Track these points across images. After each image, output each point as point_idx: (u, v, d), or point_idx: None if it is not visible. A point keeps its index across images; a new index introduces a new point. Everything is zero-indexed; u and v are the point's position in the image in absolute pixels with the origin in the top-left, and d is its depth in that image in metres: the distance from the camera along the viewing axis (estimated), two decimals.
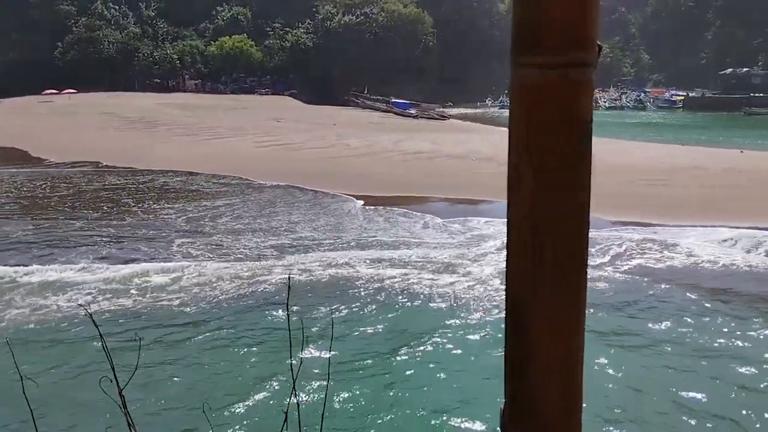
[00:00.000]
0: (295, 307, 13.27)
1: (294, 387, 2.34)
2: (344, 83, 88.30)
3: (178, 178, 30.73)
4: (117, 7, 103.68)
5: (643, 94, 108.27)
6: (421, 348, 11.91)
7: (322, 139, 43.43)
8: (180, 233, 20.37)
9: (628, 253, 18.21)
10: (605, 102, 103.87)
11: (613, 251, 18.25)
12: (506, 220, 1.06)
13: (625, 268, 16.89)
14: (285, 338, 2.77)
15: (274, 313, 13.32)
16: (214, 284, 15.16)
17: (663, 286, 15.53)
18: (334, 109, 76.16)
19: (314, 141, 42.16)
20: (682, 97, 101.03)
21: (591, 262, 17.14)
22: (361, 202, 24.83)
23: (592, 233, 16.44)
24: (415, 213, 23.13)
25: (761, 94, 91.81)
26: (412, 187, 27.25)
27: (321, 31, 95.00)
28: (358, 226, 21.31)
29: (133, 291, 14.66)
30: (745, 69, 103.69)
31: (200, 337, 12.38)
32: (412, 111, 77.32)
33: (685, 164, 33.76)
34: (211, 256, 17.68)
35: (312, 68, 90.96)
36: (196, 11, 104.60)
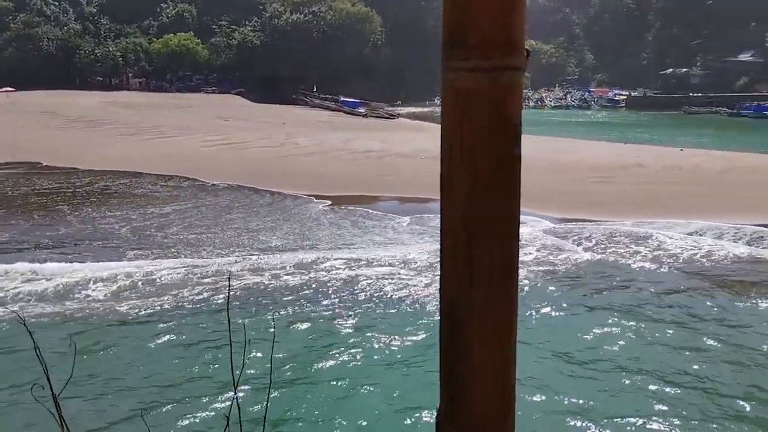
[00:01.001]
0: (270, 314, 13.13)
1: (235, 392, 2.31)
2: (293, 82, 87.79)
3: (122, 180, 29.94)
4: (57, 3, 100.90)
5: (587, 94, 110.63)
6: (386, 349, 11.93)
7: (271, 138, 43.13)
8: (127, 245, 18.66)
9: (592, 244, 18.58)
10: (551, 101, 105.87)
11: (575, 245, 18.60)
12: (440, 223, 1.07)
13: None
14: (228, 343, 2.73)
15: (235, 320, 13.15)
16: (164, 291, 14.91)
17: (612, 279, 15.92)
18: (282, 107, 75.69)
19: (263, 140, 41.84)
20: (625, 97, 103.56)
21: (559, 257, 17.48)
22: (327, 202, 24.61)
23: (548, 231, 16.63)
24: (378, 213, 23.13)
25: (699, 94, 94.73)
26: (366, 186, 27.26)
27: (268, 29, 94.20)
28: (325, 228, 21.17)
29: (73, 298, 14.29)
30: (684, 69, 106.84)
31: (145, 343, 12.15)
32: (362, 110, 77.38)
33: (629, 162, 34.63)
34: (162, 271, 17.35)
35: (259, 67, 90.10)
36: (140, 8, 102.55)
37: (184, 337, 12.32)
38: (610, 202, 24.58)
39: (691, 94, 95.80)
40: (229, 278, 14.77)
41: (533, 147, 41.22)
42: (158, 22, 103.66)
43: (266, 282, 15.24)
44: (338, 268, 16.47)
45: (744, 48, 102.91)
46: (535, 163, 33.43)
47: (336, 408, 9.81)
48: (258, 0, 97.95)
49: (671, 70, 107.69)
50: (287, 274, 15.90)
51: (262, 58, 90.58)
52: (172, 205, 24.51)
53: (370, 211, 23.31)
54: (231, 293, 13.57)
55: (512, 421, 1.10)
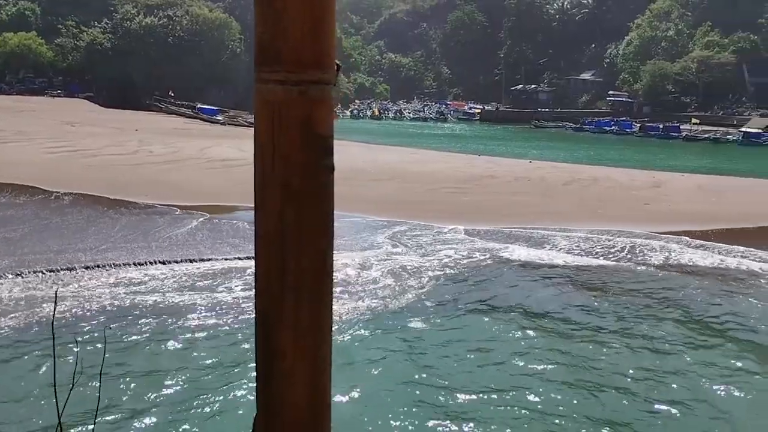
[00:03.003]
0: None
1: (59, 418, 2.19)
2: (147, 87, 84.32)
3: None
4: None
5: (444, 107, 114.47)
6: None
7: (123, 145, 41.18)
8: None
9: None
10: (409, 113, 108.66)
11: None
12: (254, 233, 1.08)
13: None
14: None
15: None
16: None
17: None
18: (135, 114, 72.45)
19: (114, 147, 39.86)
20: (479, 110, 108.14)
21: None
22: (177, 211, 23.74)
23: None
24: (239, 222, 22.58)
25: (547, 110, 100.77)
26: (224, 196, 26.49)
27: (120, 31, 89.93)
28: (173, 238, 20.43)
29: None
30: (533, 86, 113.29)
31: None
32: (220, 117, 75.72)
33: (483, 173, 36.19)
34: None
35: (110, 70, 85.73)
36: None
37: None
38: (465, 211, 25.56)
39: (539, 109, 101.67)
40: (56, 294, 14.02)
41: (393, 158, 42.16)
42: None
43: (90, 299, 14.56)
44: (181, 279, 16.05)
45: (586, 68, 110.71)
46: (394, 174, 34.20)
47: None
48: (109, 1, 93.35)
49: (521, 86, 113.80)
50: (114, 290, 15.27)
51: (113, 62, 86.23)
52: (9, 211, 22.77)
53: (225, 221, 22.78)
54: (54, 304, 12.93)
55: (328, 425, 1.13)
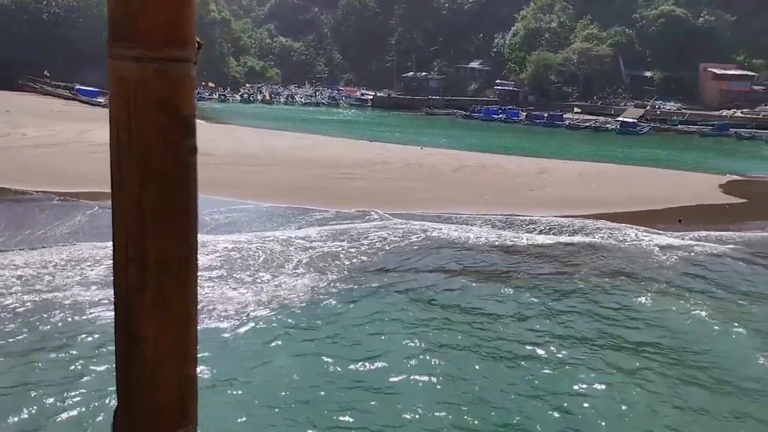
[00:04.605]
0: None
1: None
2: (18, 66, 79.11)
3: None
4: None
5: (336, 92, 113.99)
6: None
7: None
8: None
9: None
10: (301, 98, 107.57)
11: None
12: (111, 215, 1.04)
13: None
14: None
15: None
16: None
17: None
18: (6, 94, 67.92)
19: None
20: (372, 97, 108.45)
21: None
22: (89, 202, 22.40)
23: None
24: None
25: (438, 97, 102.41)
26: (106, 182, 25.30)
27: None
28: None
29: None
30: (424, 73, 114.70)
31: None
32: (101, 99, 72.12)
33: (375, 159, 36.44)
34: None
35: None
36: None
37: None
38: (353, 196, 25.68)
39: (430, 96, 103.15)
40: None
41: (285, 143, 41.73)
42: None
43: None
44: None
45: (475, 57, 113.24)
46: (285, 159, 33.88)
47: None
48: None
49: (412, 73, 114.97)
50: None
51: None
52: None
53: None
54: None
55: (194, 411, 1.10)
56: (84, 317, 12.67)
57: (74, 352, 11.32)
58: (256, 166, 31.33)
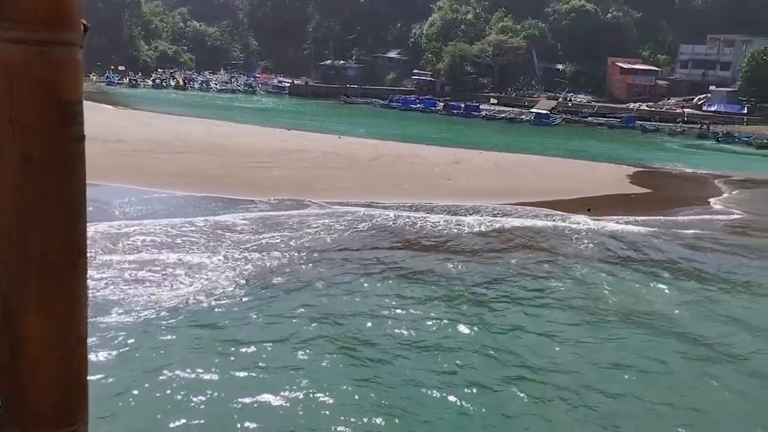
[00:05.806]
0: None
1: None
2: None
3: None
4: None
5: (252, 79, 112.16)
6: None
7: None
8: None
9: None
10: (216, 85, 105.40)
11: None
12: None
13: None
14: None
15: None
16: None
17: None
18: None
19: None
20: (289, 84, 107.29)
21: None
22: None
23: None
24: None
25: (355, 86, 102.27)
26: None
27: None
28: None
29: None
30: (341, 62, 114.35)
31: None
32: None
33: (293, 147, 36.14)
34: None
35: None
36: None
37: None
38: (272, 186, 25.39)
39: (348, 85, 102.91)
40: None
41: (200, 130, 40.82)
42: None
43: None
44: None
45: (392, 46, 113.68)
46: (200, 147, 33.14)
47: None
48: None
49: (330, 61, 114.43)
50: None
51: None
52: None
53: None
54: None
55: (84, 413, 1.05)
56: None
57: None
58: (171, 153, 30.52)
